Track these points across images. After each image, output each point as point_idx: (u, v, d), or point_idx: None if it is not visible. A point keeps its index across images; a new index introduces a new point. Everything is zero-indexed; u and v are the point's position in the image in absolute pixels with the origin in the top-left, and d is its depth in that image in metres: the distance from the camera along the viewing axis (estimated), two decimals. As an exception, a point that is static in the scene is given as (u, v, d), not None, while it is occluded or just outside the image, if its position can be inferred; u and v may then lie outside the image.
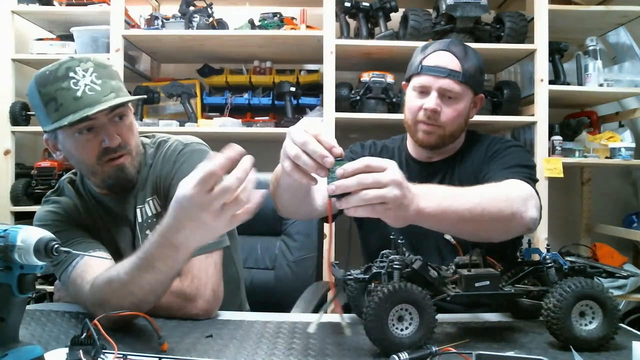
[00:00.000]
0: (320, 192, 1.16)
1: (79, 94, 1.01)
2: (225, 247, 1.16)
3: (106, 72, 1.07)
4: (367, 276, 0.90)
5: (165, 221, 0.84)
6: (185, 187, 0.78)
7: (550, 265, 0.93)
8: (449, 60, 1.22)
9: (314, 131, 0.81)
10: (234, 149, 0.77)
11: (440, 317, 0.84)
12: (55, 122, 1.02)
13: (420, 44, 2.30)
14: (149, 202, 1.16)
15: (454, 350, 0.80)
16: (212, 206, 0.77)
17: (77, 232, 1.12)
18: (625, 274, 0.98)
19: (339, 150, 0.80)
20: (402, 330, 0.82)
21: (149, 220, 1.16)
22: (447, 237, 1.01)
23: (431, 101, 1.21)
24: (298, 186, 1.01)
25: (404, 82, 1.33)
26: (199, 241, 0.86)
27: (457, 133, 1.27)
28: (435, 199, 0.88)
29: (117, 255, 1.14)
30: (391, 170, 0.79)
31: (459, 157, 1.31)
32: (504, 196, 0.98)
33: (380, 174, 0.78)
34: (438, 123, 1.22)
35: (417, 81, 1.24)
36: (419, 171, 1.31)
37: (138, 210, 1.16)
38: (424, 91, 1.23)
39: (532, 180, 1.13)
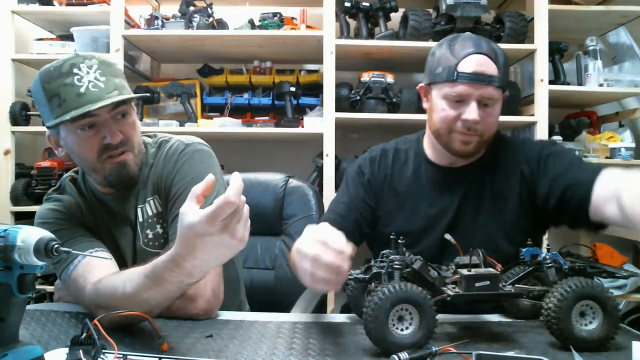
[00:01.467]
0: None
1: (82, 90, 1.02)
2: None
3: (110, 70, 1.07)
4: (367, 276, 0.90)
5: (177, 249, 0.83)
6: (193, 218, 0.77)
7: (550, 265, 0.93)
8: (487, 65, 1.11)
9: (322, 239, 0.82)
10: (238, 179, 0.77)
11: (440, 317, 0.84)
12: (57, 117, 1.02)
13: (420, 44, 2.29)
14: (149, 201, 1.16)
15: (454, 350, 0.80)
16: (228, 230, 0.77)
17: (78, 231, 1.12)
18: (625, 274, 0.98)
19: (348, 251, 0.81)
20: (402, 330, 0.82)
21: (150, 220, 1.16)
22: (447, 236, 1.00)
23: (473, 112, 1.11)
24: None
25: (422, 85, 1.23)
26: (216, 263, 0.87)
27: (493, 137, 1.21)
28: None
29: (118, 254, 1.15)
30: None
31: (484, 164, 1.22)
32: None
33: None
34: (476, 132, 1.14)
35: (452, 90, 1.12)
36: (442, 178, 1.24)
37: (139, 210, 1.16)
38: (460, 100, 1.13)
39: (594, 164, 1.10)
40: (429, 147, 1.28)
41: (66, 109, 1.01)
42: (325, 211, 1.32)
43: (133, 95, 1.07)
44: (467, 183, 1.22)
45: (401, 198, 1.26)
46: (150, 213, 1.16)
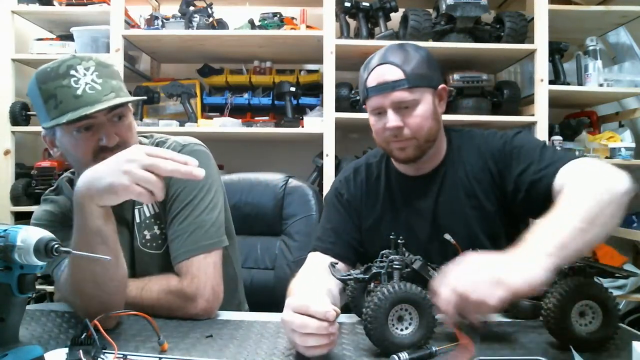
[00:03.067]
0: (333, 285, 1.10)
1: (79, 92, 1.01)
2: (223, 246, 1.16)
3: (107, 72, 1.07)
4: (367, 276, 0.90)
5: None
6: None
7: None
8: (388, 73, 1.15)
9: (302, 308, 0.80)
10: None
11: (440, 317, 0.84)
12: (54, 119, 1.02)
13: (420, 44, 2.30)
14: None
15: (454, 350, 0.80)
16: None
17: (71, 232, 1.12)
18: (624, 274, 0.97)
19: (332, 313, 0.79)
20: (402, 330, 0.82)
21: (147, 221, 1.16)
22: (447, 236, 1.00)
23: (390, 120, 1.14)
24: None
25: (364, 105, 1.25)
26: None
27: (432, 136, 1.19)
28: (546, 245, 0.80)
29: None
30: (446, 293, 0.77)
31: (448, 163, 1.23)
32: (595, 186, 0.92)
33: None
34: (406, 137, 1.15)
35: (370, 105, 1.19)
36: (413, 186, 1.24)
37: (136, 210, 1.16)
38: (380, 112, 1.17)
39: (560, 152, 1.08)
40: (395, 161, 1.28)
41: (63, 111, 1.01)
42: (313, 240, 1.31)
43: (129, 98, 1.07)
44: (438, 185, 1.22)
45: (379, 214, 1.26)
46: (147, 214, 1.16)
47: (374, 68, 1.17)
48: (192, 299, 1.05)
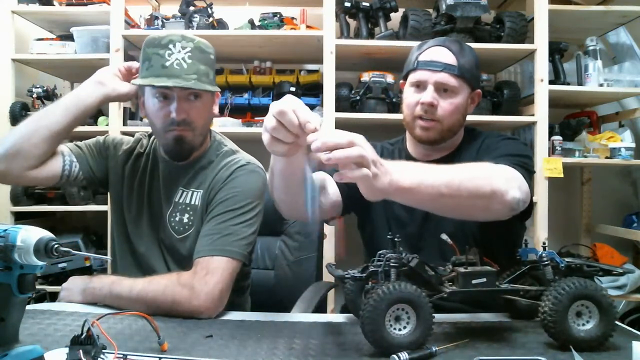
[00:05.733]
0: (325, 192, 1.19)
1: (167, 64, 1.16)
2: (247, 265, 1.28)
3: (201, 57, 1.20)
4: (364, 275, 0.90)
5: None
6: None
7: (546, 263, 0.93)
8: (444, 55, 1.22)
9: (292, 105, 0.83)
10: None
11: (439, 317, 0.84)
12: (141, 78, 1.20)
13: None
14: (192, 191, 1.27)
15: (454, 350, 0.80)
16: None
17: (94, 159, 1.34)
18: (621, 271, 0.98)
19: (312, 125, 0.82)
20: (399, 330, 0.82)
21: (184, 206, 1.27)
22: (444, 236, 1.00)
23: (428, 95, 1.20)
24: (290, 173, 1.00)
25: (401, 81, 1.33)
26: None
27: (456, 128, 1.26)
28: (409, 172, 0.91)
29: (139, 215, 1.30)
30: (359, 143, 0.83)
31: (458, 154, 1.30)
32: (483, 174, 1.00)
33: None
34: (435, 117, 1.21)
35: (413, 77, 1.25)
36: None
37: (180, 190, 1.28)
38: (420, 86, 1.23)
39: (524, 168, 1.11)
40: (409, 142, 1.35)
41: (148, 75, 1.18)
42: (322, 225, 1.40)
43: (200, 87, 1.18)
44: None
45: None
46: (187, 201, 1.27)
47: (432, 46, 1.25)
48: (198, 293, 1.06)
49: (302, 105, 0.85)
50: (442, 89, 1.21)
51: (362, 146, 0.82)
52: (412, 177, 0.90)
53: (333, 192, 1.24)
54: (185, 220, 1.26)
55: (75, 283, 1.18)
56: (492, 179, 0.99)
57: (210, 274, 1.09)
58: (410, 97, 1.25)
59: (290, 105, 0.83)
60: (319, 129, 0.83)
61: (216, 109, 1.32)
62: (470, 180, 0.96)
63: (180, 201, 1.27)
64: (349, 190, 1.24)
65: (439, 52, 1.23)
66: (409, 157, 1.34)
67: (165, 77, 1.15)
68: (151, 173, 1.33)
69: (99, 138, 1.38)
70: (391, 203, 1.24)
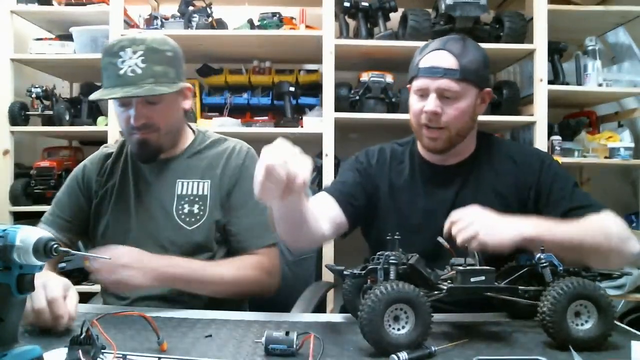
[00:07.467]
0: (327, 217, 1.17)
1: (121, 72, 1.15)
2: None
3: (156, 57, 1.18)
4: (363, 272, 0.90)
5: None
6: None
7: (545, 265, 0.93)
8: (444, 59, 1.17)
9: (281, 158, 0.84)
10: None
11: (438, 317, 0.84)
12: (101, 89, 1.20)
13: (419, 44, 2.29)
14: (199, 182, 1.30)
15: (453, 350, 0.80)
16: None
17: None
18: (618, 273, 0.98)
19: (300, 180, 0.84)
20: (398, 330, 0.82)
21: (190, 197, 1.29)
22: (440, 240, 1.00)
23: (430, 104, 1.17)
24: (286, 213, 1.01)
25: (408, 85, 1.28)
26: None
27: (464, 132, 1.22)
28: (535, 225, 1.02)
29: (124, 215, 1.29)
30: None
31: (476, 161, 1.26)
32: (602, 233, 1.07)
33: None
34: (440, 125, 1.18)
35: (415, 84, 1.21)
36: (434, 175, 1.27)
37: (179, 182, 1.30)
38: (423, 94, 1.19)
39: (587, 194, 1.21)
40: (421, 146, 1.30)
41: (106, 85, 1.18)
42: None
43: (154, 93, 1.17)
44: (461, 179, 1.25)
45: (397, 194, 1.28)
46: (191, 192, 1.29)
47: (432, 51, 1.20)
48: (272, 274, 1.26)
49: (292, 153, 0.86)
50: (446, 95, 1.17)
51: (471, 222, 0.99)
52: (538, 230, 1.01)
53: (335, 214, 1.20)
54: (196, 210, 1.27)
55: (139, 259, 1.12)
56: (611, 239, 1.07)
57: (274, 259, 1.28)
58: (414, 104, 1.22)
59: (279, 158, 0.84)
60: (308, 181, 0.85)
61: (187, 104, 1.31)
62: (592, 238, 1.05)
63: (185, 193, 1.29)
64: (353, 210, 1.24)
65: (439, 57, 1.18)
66: (422, 162, 1.30)
67: (118, 87, 1.15)
68: (135, 173, 1.32)
69: (70, 177, 1.37)
70: (403, 210, 1.26)
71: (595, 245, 1.04)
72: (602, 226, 1.08)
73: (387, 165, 1.31)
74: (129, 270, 1.09)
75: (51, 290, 0.93)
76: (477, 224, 0.97)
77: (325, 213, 1.17)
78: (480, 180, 1.24)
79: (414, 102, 1.22)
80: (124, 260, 1.10)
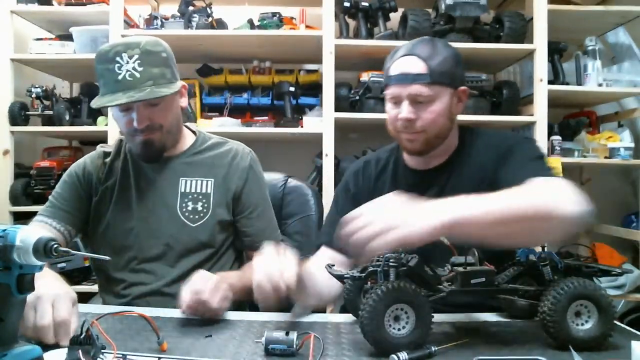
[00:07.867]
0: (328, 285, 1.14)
1: (119, 77, 1.16)
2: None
3: (151, 60, 1.19)
4: (363, 274, 0.90)
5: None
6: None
7: (545, 263, 0.93)
8: (413, 65, 1.16)
9: (272, 274, 0.94)
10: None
11: (439, 317, 0.84)
12: (100, 96, 1.20)
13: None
14: (203, 181, 1.31)
15: (453, 350, 0.80)
16: None
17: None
18: (619, 271, 0.98)
19: (284, 289, 0.94)
20: (398, 330, 0.82)
21: (194, 195, 1.30)
22: (442, 238, 1.00)
23: (404, 110, 1.16)
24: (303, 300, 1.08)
25: (382, 92, 1.28)
26: None
27: (444, 133, 1.21)
28: (463, 205, 0.86)
29: (125, 213, 1.29)
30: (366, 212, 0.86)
31: (457, 159, 1.24)
32: (529, 195, 0.93)
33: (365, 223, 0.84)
34: (417, 130, 1.17)
35: (388, 93, 1.20)
36: (417, 181, 1.25)
37: (181, 180, 1.31)
38: (397, 101, 1.18)
39: (549, 170, 1.09)
40: (404, 152, 1.29)
41: (105, 92, 1.18)
42: (321, 226, 1.42)
43: (157, 95, 1.17)
44: (444, 179, 1.23)
45: None
46: (194, 190, 1.31)
47: (400, 57, 1.19)
48: None
49: (276, 262, 0.96)
50: (419, 100, 1.16)
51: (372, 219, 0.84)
52: (454, 214, 0.85)
53: (339, 261, 1.18)
54: (200, 208, 1.30)
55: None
56: (551, 201, 0.91)
57: None
58: (390, 111, 1.21)
59: (264, 275, 0.94)
60: (293, 284, 0.94)
61: (184, 101, 1.33)
62: (524, 203, 0.89)
63: (188, 191, 1.31)
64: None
65: (408, 63, 1.16)
66: (405, 169, 1.29)
67: (120, 92, 1.15)
68: (136, 172, 1.32)
69: (68, 173, 1.36)
70: None
71: (531, 215, 0.88)
72: (529, 189, 0.96)
73: (372, 179, 1.31)
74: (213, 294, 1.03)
75: (59, 310, 0.86)
76: (378, 222, 0.82)
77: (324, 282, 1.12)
78: (463, 177, 1.21)
79: (389, 109, 1.22)
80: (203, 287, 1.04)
